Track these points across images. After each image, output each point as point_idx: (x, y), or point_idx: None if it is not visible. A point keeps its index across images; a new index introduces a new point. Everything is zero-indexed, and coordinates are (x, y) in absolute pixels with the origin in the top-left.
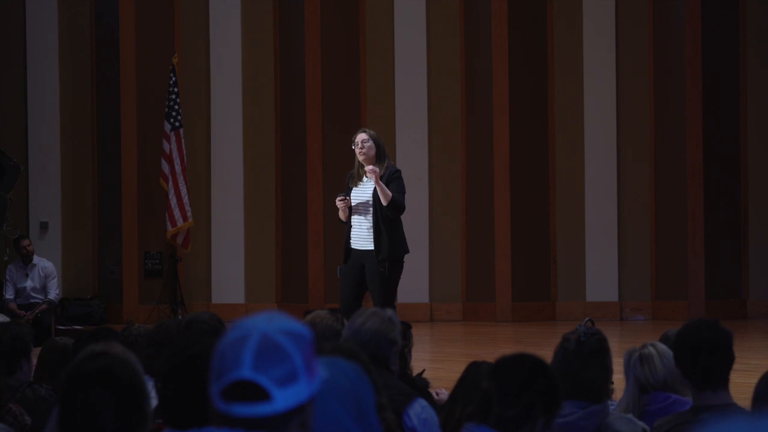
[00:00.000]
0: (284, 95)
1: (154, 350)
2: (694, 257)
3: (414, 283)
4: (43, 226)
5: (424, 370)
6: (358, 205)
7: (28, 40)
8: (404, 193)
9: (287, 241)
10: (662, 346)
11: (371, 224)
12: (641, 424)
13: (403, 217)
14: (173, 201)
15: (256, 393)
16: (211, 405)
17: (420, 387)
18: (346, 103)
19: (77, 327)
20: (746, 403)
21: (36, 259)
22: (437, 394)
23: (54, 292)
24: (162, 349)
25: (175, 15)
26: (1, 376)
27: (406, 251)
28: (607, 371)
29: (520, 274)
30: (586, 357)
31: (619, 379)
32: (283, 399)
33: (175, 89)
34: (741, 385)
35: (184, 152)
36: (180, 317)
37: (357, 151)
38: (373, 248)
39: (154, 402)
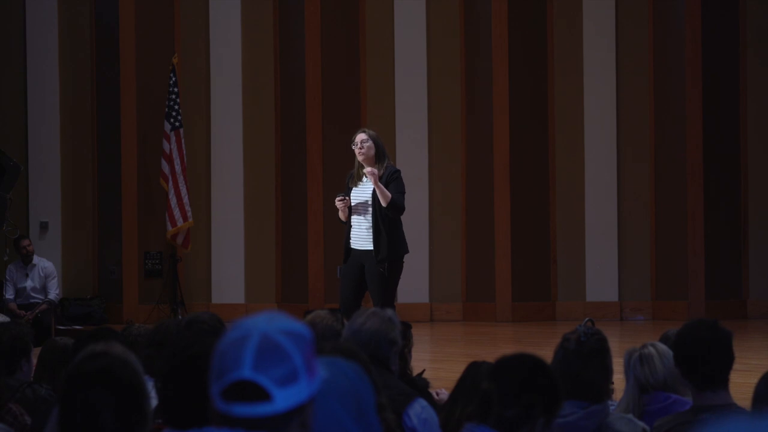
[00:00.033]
0: (284, 95)
1: (154, 350)
2: (694, 257)
3: (414, 283)
4: (43, 226)
5: (424, 370)
6: (357, 205)
7: (28, 40)
8: (404, 193)
9: (287, 241)
10: (662, 346)
11: (371, 224)
12: (641, 424)
13: (403, 217)
14: (173, 201)
15: (257, 393)
16: (211, 405)
17: (420, 387)
18: (346, 103)
19: (77, 327)
20: (746, 403)
21: (36, 259)
22: (437, 394)
23: (54, 292)
24: (162, 349)
25: (175, 15)
26: (1, 376)
27: (406, 251)
28: (607, 371)
29: (520, 274)
30: (586, 357)
31: (619, 379)
32: (283, 399)
33: (175, 89)
34: (741, 385)
35: (184, 152)
36: (180, 317)
37: (356, 151)
38: (372, 248)
39: (154, 402)
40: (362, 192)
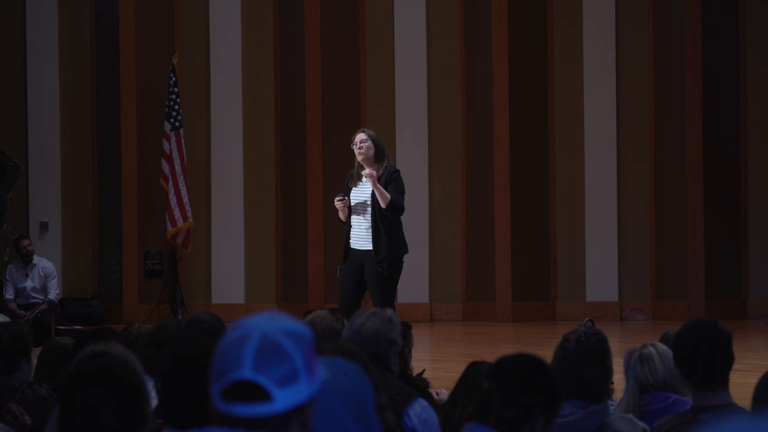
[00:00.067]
0: (284, 95)
1: (154, 350)
2: (694, 257)
3: (414, 283)
4: (43, 226)
5: (424, 370)
6: (356, 205)
7: (28, 40)
8: (403, 193)
9: (287, 241)
10: (662, 346)
11: (370, 224)
12: (641, 424)
13: (403, 217)
14: (173, 201)
15: (257, 393)
16: (211, 405)
17: (420, 387)
18: (346, 103)
19: (77, 327)
20: (746, 403)
21: (36, 259)
22: (437, 394)
23: (54, 292)
24: (162, 349)
25: (175, 15)
26: (1, 376)
27: (406, 251)
28: (608, 371)
29: (520, 274)
30: (587, 357)
31: (619, 379)
32: (283, 399)
33: (175, 89)
34: (741, 385)
35: (184, 152)
36: (180, 317)
37: (356, 151)
38: (371, 248)
39: (154, 402)
40: (361, 192)
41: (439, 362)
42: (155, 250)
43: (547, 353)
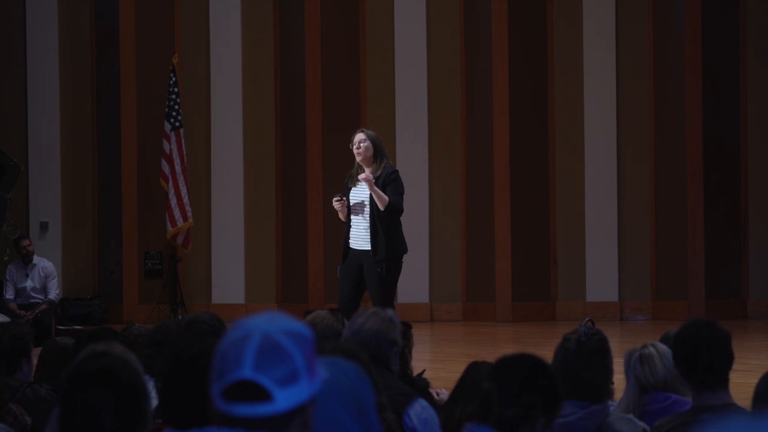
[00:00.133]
0: (284, 95)
1: (154, 350)
2: (694, 257)
3: (414, 283)
4: (43, 226)
5: (424, 370)
6: (355, 205)
7: (28, 40)
8: (402, 194)
9: (287, 241)
10: (662, 346)
11: (368, 224)
12: (641, 424)
13: (403, 217)
14: (173, 201)
15: (257, 393)
16: (211, 405)
17: (420, 387)
18: (346, 103)
19: (77, 327)
20: (746, 403)
21: (36, 259)
22: (437, 394)
23: (54, 292)
24: (162, 349)
25: (175, 15)
26: (2, 376)
27: (405, 251)
28: (608, 371)
29: (520, 274)
30: (587, 357)
31: (619, 379)
32: (284, 399)
33: (175, 89)
34: (741, 385)
35: (184, 152)
36: (180, 317)
37: (354, 151)
38: (370, 248)
39: (154, 402)
40: (360, 192)
41: (439, 362)
42: (155, 250)
43: (547, 353)
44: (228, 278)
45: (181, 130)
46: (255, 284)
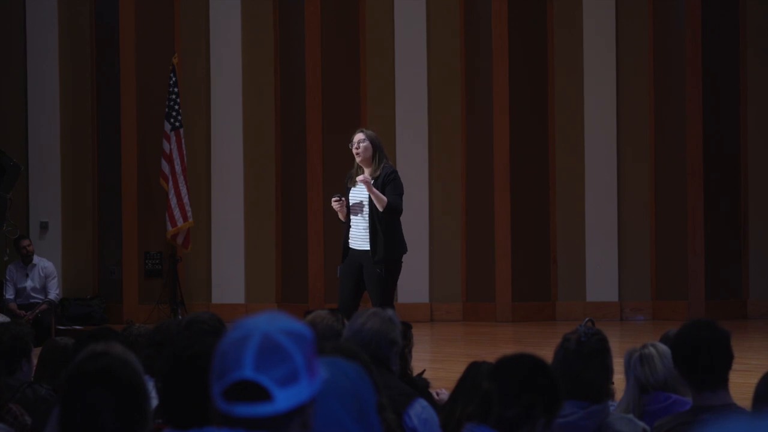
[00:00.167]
0: (284, 95)
1: (154, 350)
2: (694, 257)
3: (414, 283)
4: (43, 226)
5: (424, 370)
6: (354, 205)
7: (28, 40)
8: (401, 194)
9: (287, 241)
10: (662, 346)
11: (368, 224)
12: (641, 424)
13: (403, 217)
14: (173, 201)
15: (258, 393)
16: (211, 405)
17: (420, 387)
18: (346, 103)
19: (77, 327)
20: (746, 403)
21: (36, 259)
22: (437, 394)
23: (54, 292)
24: (162, 349)
25: (175, 15)
26: (2, 376)
27: (404, 251)
28: (608, 371)
29: (520, 274)
30: (587, 357)
31: (619, 379)
32: (284, 399)
33: (175, 89)
34: (741, 385)
35: (184, 152)
36: (180, 317)
37: (354, 151)
38: (369, 249)
39: (154, 402)
40: (359, 192)
41: (439, 362)
42: (155, 250)
43: (547, 353)
44: (228, 278)
45: (181, 130)
46: (255, 284)
